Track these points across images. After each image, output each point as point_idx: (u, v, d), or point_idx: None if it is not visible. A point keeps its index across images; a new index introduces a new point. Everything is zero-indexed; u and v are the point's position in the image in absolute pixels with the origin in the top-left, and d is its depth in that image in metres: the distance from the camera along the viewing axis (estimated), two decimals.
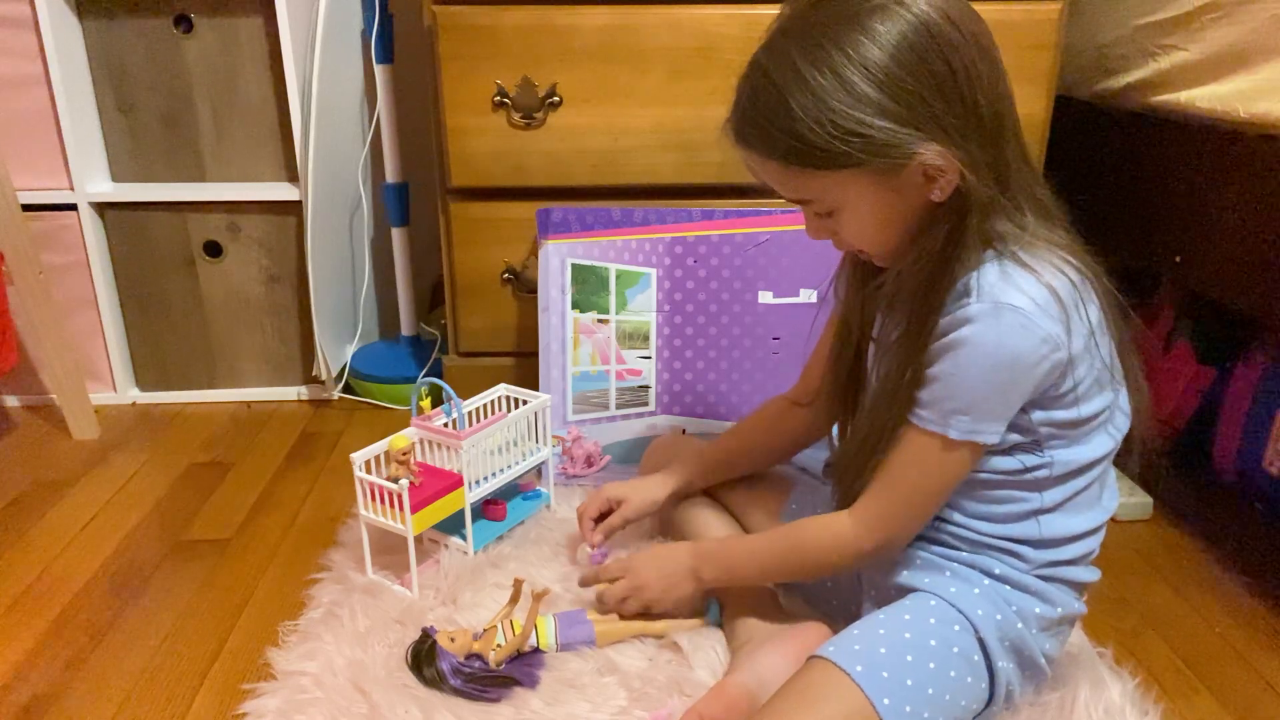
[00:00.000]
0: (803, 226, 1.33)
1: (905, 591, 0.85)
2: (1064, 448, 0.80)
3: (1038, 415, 0.78)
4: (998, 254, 0.75)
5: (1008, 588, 0.83)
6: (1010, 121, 0.76)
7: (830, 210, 0.79)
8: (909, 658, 0.78)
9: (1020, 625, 0.82)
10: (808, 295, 1.35)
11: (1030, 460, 0.80)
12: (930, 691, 0.77)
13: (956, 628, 0.81)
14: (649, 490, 1.09)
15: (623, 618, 0.99)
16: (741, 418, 1.15)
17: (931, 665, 0.78)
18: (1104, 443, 0.81)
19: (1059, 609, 0.84)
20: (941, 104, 0.71)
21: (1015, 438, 0.80)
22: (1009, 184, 0.76)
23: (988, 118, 0.73)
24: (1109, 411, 0.81)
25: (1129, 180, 1.38)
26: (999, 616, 0.82)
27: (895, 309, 0.81)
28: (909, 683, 0.76)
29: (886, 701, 0.74)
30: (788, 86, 0.72)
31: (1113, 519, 1.24)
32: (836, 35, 0.71)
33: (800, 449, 1.08)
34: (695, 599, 0.99)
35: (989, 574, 0.84)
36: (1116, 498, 0.87)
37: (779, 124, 0.73)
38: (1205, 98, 1.17)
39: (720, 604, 1.02)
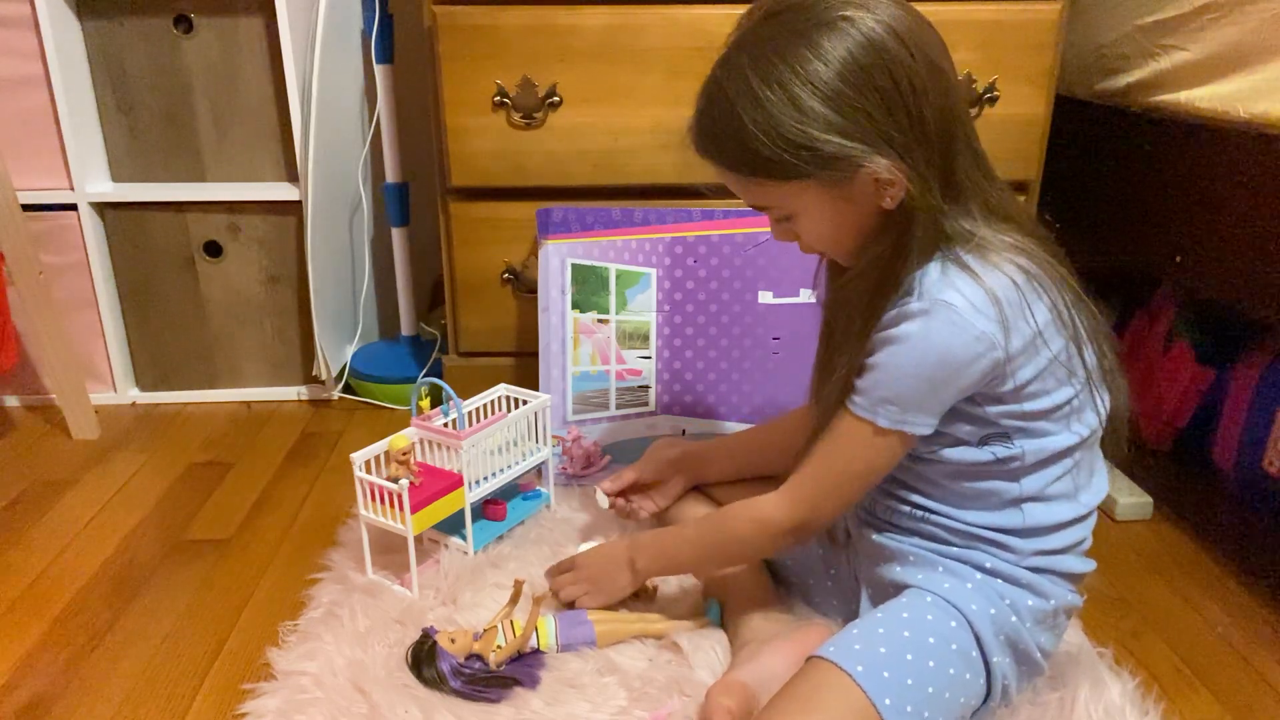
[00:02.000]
0: None
1: (901, 588, 0.86)
2: (1030, 439, 0.81)
3: (993, 409, 0.80)
4: (943, 255, 0.78)
5: (1000, 582, 0.84)
6: (961, 132, 0.78)
7: (788, 216, 0.82)
8: (908, 656, 0.78)
9: (1014, 619, 0.83)
10: (808, 295, 1.35)
11: (1001, 451, 0.82)
12: (930, 690, 0.77)
13: (953, 624, 0.81)
14: (662, 450, 1.14)
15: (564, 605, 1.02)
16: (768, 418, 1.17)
17: (931, 663, 0.78)
18: (1068, 437, 0.82)
19: (1052, 601, 0.85)
20: (887, 119, 0.74)
21: (971, 429, 0.81)
22: (959, 192, 0.78)
23: (935, 130, 0.75)
24: (1072, 405, 0.81)
25: (1129, 180, 1.38)
26: (993, 611, 0.82)
27: (848, 312, 0.84)
28: (909, 681, 0.77)
29: (888, 701, 0.74)
30: (740, 100, 0.76)
31: (1113, 519, 1.25)
32: (786, 51, 0.74)
33: None
34: (634, 588, 1.02)
35: (980, 568, 0.84)
36: (1105, 487, 0.88)
37: (732, 136, 0.77)
38: (1205, 98, 1.17)
39: (721, 604, 1.02)
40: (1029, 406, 0.79)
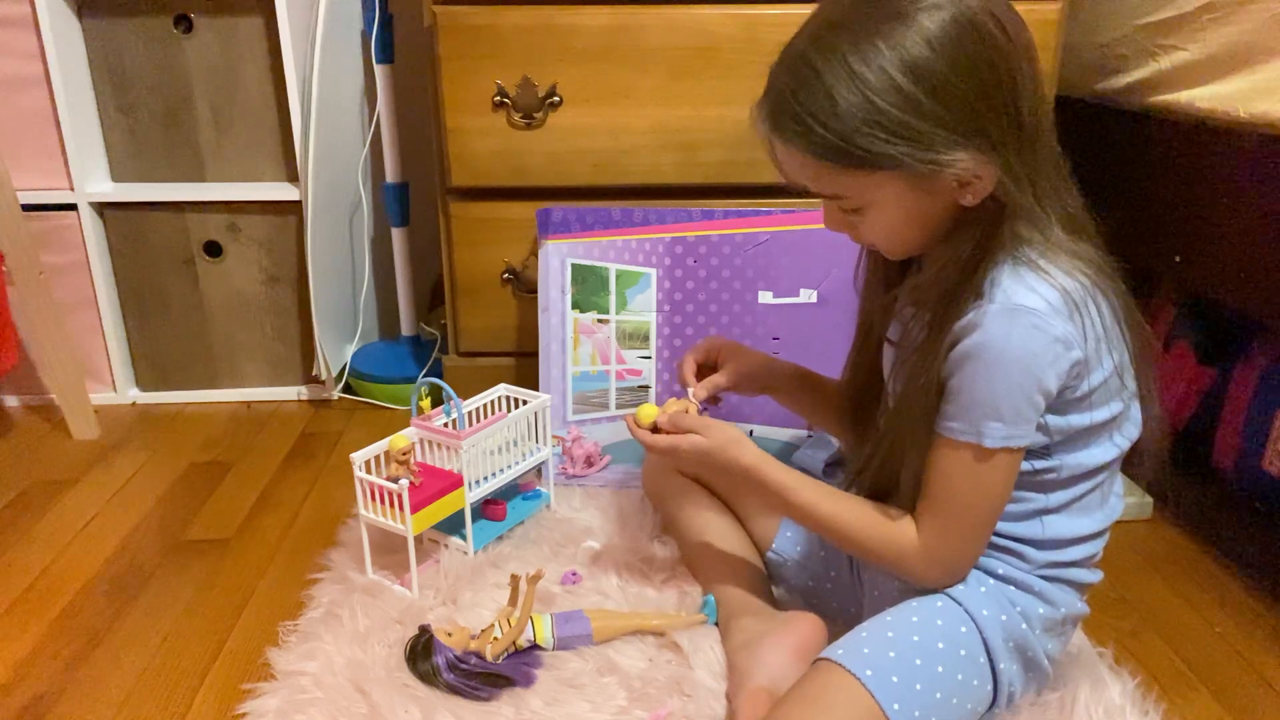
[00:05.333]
0: (803, 227, 1.34)
1: (909, 592, 0.85)
2: (1072, 452, 0.80)
3: (1055, 421, 0.78)
4: (1014, 258, 0.75)
5: (1011, 588, 0.83)
6: (1047, 133, 0.76)
7: (858, 207, 0.78)
8: (918, 661, 0.78)
9: (1024, 626, 0.82)
10: (808, 295, 1.35)
11: (1040, 463, 0.80)
12: (939, 696, 0.77)
13: (964, 629, 0.81)
14: (752, 358, 1.02)
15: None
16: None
17: (940, 669, 0.78)
18: (1110, 449, 0.82)
19: (1062, 610, 0.84)
20: (987, 112, 0.71)
21: (1039, 437, 0.79)
22: (1041, 195, 0.76)
23: (1028, 128, 0.73)
24: (1118, 420, 0.81)
25: (1129, 180, 1.38)
26: (1004, 617, 0.82)
27: (919, 314, 0.81)
28: (918, 687, 0.76)
29: (896, 707, 0.74)
30: (837, 84, 0.71)
31: None
32: (889, 33, 0.70)
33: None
34: (740, 474, 0.89)
35: (993, 574, 0.84)
36: (1121, 504, 0.87)
37: (823, 120, 0.72)
38: (1205, 98, 1.17)
39: (718, 602, 1.01)
40: (1085, 419, 0.78)
